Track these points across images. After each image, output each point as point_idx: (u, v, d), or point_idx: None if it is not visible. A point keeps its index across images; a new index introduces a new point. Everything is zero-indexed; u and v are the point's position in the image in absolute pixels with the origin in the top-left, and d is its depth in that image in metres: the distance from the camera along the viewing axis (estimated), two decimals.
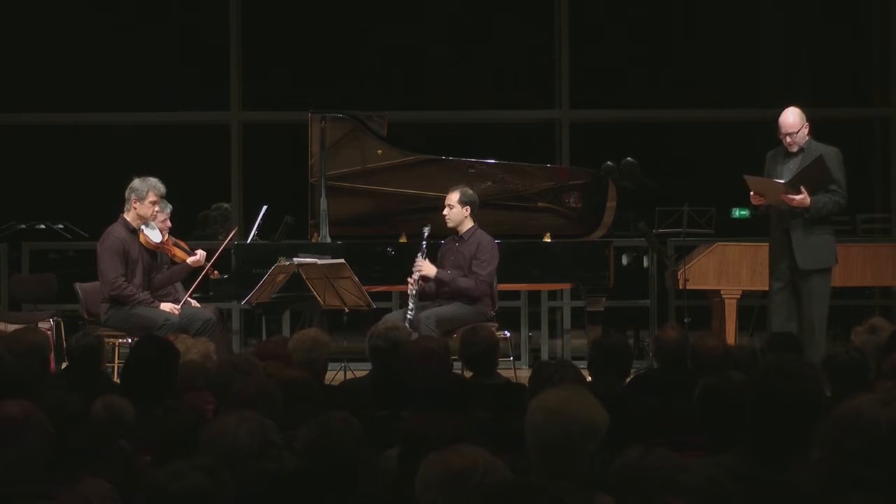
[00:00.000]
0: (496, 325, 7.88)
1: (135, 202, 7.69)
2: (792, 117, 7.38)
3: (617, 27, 12.45)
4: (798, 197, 7.21)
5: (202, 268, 7.81)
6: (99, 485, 3.16)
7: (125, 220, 7.72)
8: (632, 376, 5.49)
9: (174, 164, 11.49)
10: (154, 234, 7.75)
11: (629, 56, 12.54)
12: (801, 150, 7.39)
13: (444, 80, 12.31)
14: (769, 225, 7.64)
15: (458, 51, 12.54)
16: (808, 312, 7.34)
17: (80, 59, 12.24)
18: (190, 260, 7.75)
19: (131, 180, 7.75)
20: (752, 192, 7.38)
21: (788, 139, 7.37)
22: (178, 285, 8.06)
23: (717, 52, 12.50)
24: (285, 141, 10.71)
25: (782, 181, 7.26)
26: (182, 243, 7.92)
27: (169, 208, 8.00)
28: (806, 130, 7.39)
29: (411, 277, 7.74)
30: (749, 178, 7.36)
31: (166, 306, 7.63)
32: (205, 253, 7.80)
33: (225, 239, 8.11)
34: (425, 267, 7.71)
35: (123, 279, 7.55)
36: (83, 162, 12.45)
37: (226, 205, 10.74)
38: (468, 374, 5.47)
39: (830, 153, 7.38)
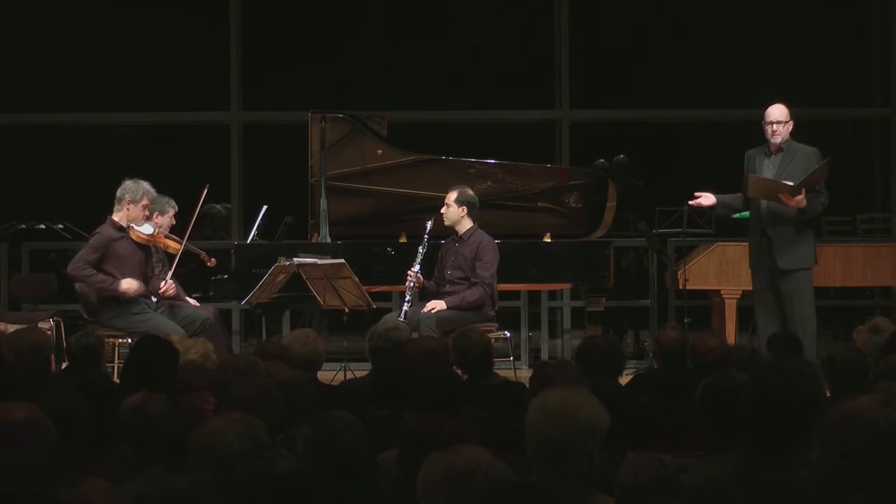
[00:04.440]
0: (496, 325, 7.88)
1: (129, 203, 7.70)
2: (779, 109, 7.41)
3: (617, 27, 12.45)
4: (797, 198, 7.22)
5: (197, 257, 7.84)
6: (99, 485, 3.16)
7: (113, 220, 7.73)
8: (632, 376, 5.49)
9: (174, 164, 11.51)
10: (144, 228, 7.75)
11: (629, 56, 12.54)
12: (781, 149, 7.40)
13: (444, 79, 12.30)
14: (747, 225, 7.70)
15: (458, 50, 12.54)
16: (790, 313, 7.34)
17: (80, 60, 12.24)
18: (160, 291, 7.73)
19: (122, 182, 7.76)
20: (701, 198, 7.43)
21: (774, 127, 7.37)
22: (178, 284, 8.05)
23: (717, 52, 12.50)
24: (285, 141, 10.71)
25: (790, 183, 7.25)
26: (175, 236, 7.90)
27: (173, 208, 7.99)
28: (791, 127, 7.41)
29: (411, 270, 7.74)
30: (753, 177, 7.36)
31: (125, 283, 7.61)
32: (172, 284, 7.76)
33: (220, 240, 8.12)
34: (438, 305, 7.71)
35: (88, 265, 7.57)
36: (83, 162, 12.45)
37: (218, 206, 10.72)
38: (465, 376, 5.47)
39: (811, 153, 7.40)
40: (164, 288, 7.68)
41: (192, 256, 7.92)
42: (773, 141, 7.40)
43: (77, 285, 8.11)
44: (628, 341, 10.30)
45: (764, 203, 7.40)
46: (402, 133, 9.07)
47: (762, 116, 7.49)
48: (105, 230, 7.72)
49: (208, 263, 7.86)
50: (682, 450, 3.83)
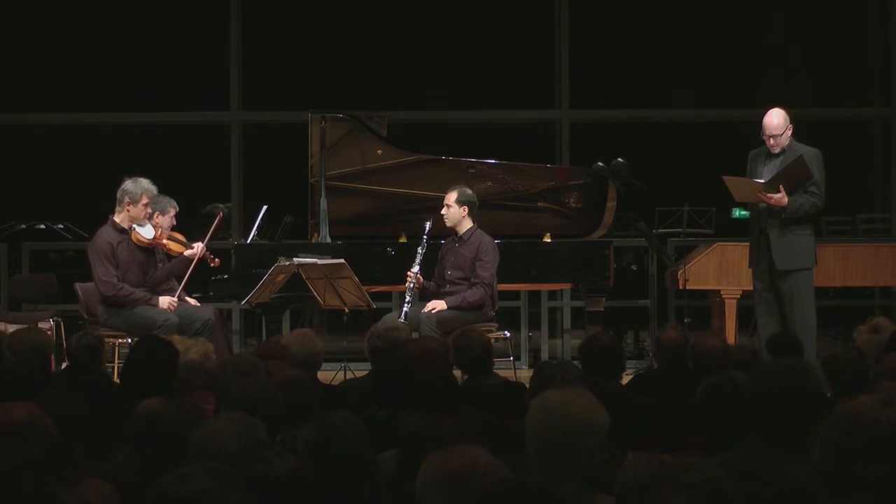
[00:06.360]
0: (496, 325, 7.88)
1: (128, 204, 7.68)
2: (777, 119, 7.38)
3: (617, 27, 12.45)
4: (776, 196, 7.22)
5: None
6: (99, 485, 3.16)
7: (114, 221, 7.71)
8: (632, 376, 5.49)
9: (174, 164, 11.51)
10: (146, 231, 7.73)
11: (629, 56, 12.54)
12: (783, 150, 7.40)
13: (444, 79, 12.31)
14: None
15: (458, 50, 12.54)
16: (790, 313, 7.34)
17: (80, 60, 12.24)
18: (187, 253, 7.74)
19: (122, 181, 7.75)
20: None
21: (772, 141, 7.38)
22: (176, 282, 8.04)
23: (717, 52, 12.50)
24: (285, 141, 10.72)
25: (762, 181, 7.28)
26: (178, 235, 7.88)
27: (174, 209, 7.97)
28: (790, 132, 7.40)
29: (410, 271, 7.74)
30: (727, 179, 7.39)
31: (164, 300, 7.62)
32: (203, 245, 7.77)
33: (220, 240, 8.08)
34: (438, 305, 7.71)
35: (116, 279, 7.55)
36: (83, 162, 12.46)
37: (221, 205, 10.72)
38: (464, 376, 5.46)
39: (811, 154, 7.39)
40: (167, 306, 7.64)
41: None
42: (772, 152, 7.42)
43: (78, 286, 8.12)
44: (628, 341, 10.30)
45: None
46: (402, 133, 9.07)
47: (762, 118, 7.49)
48: (104, 233, 7.69)
49: (211, 264, 7.85)
50: (682, 450, 3.82)
